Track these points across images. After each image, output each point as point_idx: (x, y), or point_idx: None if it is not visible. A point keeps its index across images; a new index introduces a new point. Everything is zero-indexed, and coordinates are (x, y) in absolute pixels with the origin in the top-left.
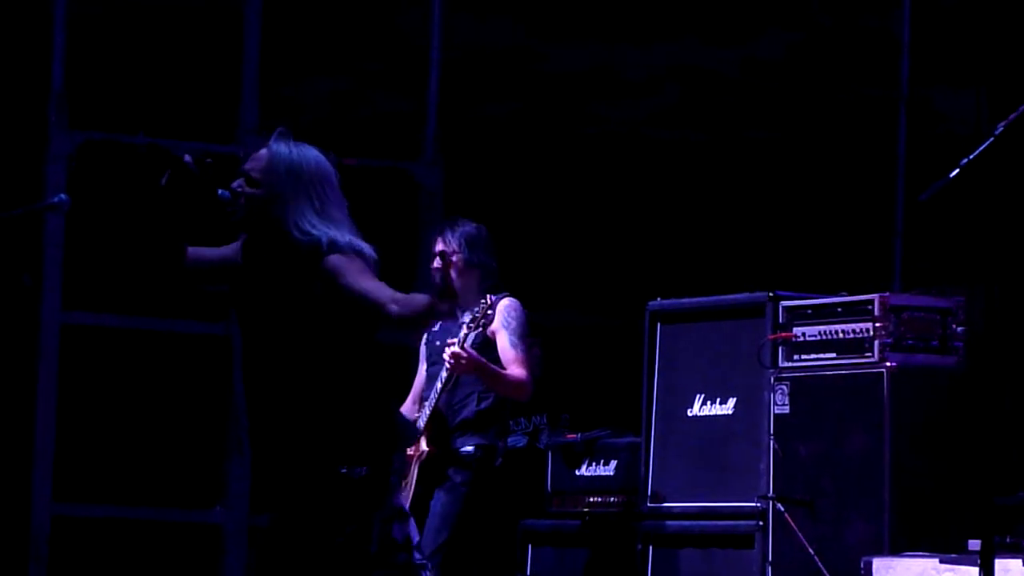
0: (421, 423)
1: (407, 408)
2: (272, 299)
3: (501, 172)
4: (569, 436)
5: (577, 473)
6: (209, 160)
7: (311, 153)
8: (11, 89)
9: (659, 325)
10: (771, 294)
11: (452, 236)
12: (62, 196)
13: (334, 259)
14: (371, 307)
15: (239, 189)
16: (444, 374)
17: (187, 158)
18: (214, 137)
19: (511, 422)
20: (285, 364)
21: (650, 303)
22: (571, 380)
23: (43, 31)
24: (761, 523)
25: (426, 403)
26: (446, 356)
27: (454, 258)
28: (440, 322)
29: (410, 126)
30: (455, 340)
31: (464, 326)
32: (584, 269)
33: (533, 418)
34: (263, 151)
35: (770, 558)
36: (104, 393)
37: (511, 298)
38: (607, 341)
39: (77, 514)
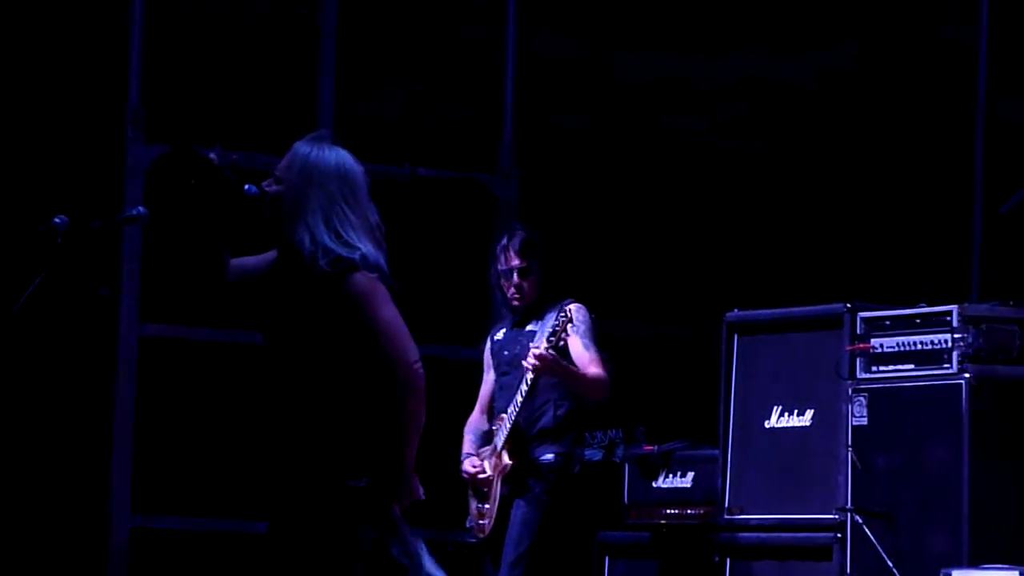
0: (501, 437)
1: (476, 419)
2: (291, 311)
3: (574, 183)
4: (646, 448)
5: (654, 485)
6: (235, 157)
7: (332, 154)
8: (88, 103)
9: (736, 336)
10: (849, 305)
11: (527, 251)
12: (140, 209)
13: (359, 281)
14: (388, 355)
15: (267, 187)
16: (524, 386)
17: (212, 155)
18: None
19: (586, 435)
20: (301, 375)
21: (727, 314)
22: (646, 392)
23: (120, 45)
24: (839, 535)
25: (505, 416)
26: (530, 359)
27: (535, 275)
28: (504, 330)
29: (484, 137)
30: (537, 345)
31: (544, 339)
32: (658, 280)
33: (609, 432)
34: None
35: (848, 570)
36: (182, 405)
37: (577, 303)
38: (681, 352)
39: (156, 526)
